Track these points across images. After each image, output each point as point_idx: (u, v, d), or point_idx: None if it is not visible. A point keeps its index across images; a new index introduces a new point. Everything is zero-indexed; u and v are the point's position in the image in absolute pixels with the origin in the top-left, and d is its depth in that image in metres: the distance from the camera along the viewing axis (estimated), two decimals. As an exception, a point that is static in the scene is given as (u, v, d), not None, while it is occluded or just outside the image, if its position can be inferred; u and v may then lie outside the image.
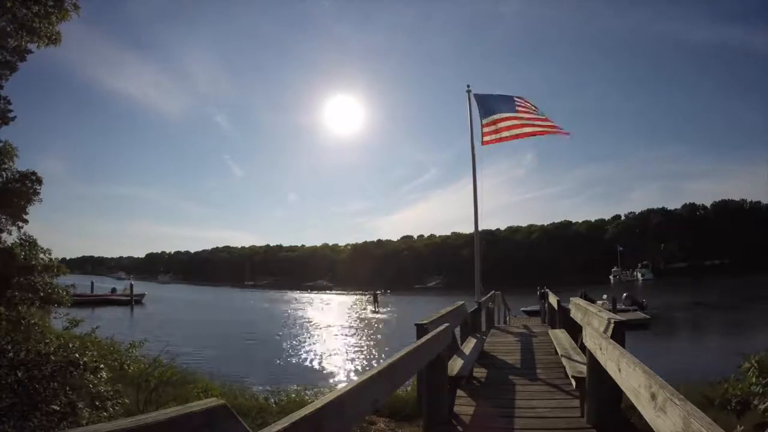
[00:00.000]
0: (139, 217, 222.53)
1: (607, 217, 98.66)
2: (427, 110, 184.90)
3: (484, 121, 11.00)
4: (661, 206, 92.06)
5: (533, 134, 10.91)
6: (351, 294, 67.66)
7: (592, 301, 11.75)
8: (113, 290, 48.43)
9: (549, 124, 10.80)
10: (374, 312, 38.69)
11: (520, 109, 10.86)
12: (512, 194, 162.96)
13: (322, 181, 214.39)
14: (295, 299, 58.97)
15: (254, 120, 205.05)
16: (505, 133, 10.88)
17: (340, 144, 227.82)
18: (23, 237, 5.29)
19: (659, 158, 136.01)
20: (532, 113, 10.86)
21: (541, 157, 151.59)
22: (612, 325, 3.81)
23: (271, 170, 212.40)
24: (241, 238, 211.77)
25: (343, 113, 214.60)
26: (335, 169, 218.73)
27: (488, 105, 11.07)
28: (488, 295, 12.16)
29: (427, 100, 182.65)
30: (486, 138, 11.01)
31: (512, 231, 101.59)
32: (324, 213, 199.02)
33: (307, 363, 17.70)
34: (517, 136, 10.91)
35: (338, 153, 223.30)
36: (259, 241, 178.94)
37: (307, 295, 68.25)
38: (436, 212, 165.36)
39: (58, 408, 3.68)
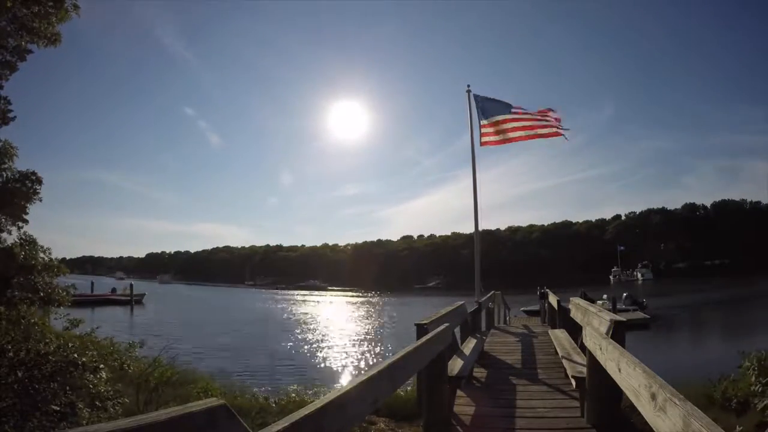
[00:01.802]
0: (108, 208, 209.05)
1: (607, 217, 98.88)
2: (432, 104, 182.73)
3: (483, 122, 11.01)
4: (661, 206, 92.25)
5: (532, 137, 10.88)
6: (360, 295, 66.99)
7: (592, 301, 11.74)
8: (113, 290, 48.48)
9: (548, 125, 10.75)
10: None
11: (517, 113, 10.87)
12: (560, 174, 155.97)
13: (319, 165, 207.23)
14: (329, 301, 54.10)
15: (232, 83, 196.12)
16: (503, 136, 10.89)
17: (337, 123, 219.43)
18: (23, 237, 5.29)
19: (725, 124, 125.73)
20: (530, 118, 10.84)
21: (600, 126, 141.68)
22: (612, 325, 3.81)
23: (255, 144, 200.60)
24: (233, 233, 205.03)
25: (340, 95, 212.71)
26: (336, 152, 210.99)
27: (487, 107, 11.08)
28: (488, 295, 12.16)
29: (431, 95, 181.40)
30: (484, 139, 11.03)
31: (512, 231, 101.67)
32: (322, 199, 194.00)
33: None
34: (515, 139, 10.90)
35: (336, 134, 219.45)
36: (253, 236, 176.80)
37: (326, 296, 66.14)
38: (445, 203, 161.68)
39: (58, 408, 3.68)
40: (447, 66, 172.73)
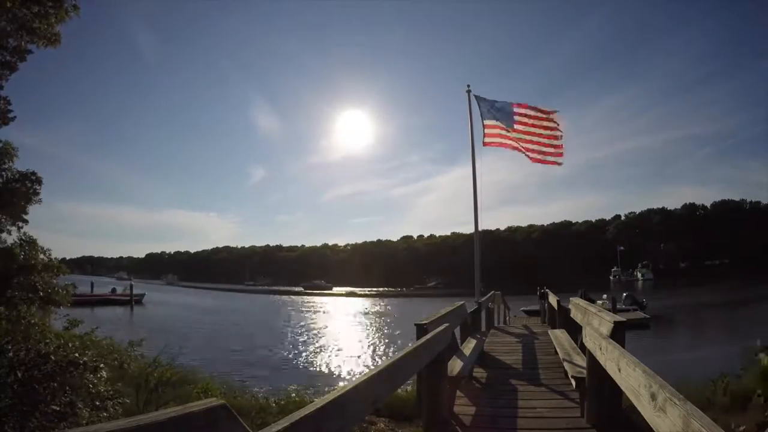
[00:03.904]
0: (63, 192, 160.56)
1: (607, 217, 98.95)
2: (435, 103, 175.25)
3: (486, 122, 10.95)
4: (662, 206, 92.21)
5: (530, 159, 10.36)
6: (359, 295, 66.24)
7: (592, 301, 11.74)
8: (113, 290, 48.50)
9: (546, 144, 10.25)
10: None
11: (518, 122, 10.60)
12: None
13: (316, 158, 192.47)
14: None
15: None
16: (506, 140, 10.74)
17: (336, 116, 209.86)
18: (23, 237, 5.30)
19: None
20: (531, 126, 10.37)
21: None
22: (612, 325, 3.81)
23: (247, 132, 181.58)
24: (215, 223, 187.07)
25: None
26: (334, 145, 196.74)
27: (489, 109, 11.01)
28: (488, 295, 12.15)
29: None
30: (487, 139, 10.98)
31: (512, 231, 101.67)
32: (317, 192, 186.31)
33: None
34: (516, 148, 10.55)
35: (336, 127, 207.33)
36: (239, 228, 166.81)
37: (326, 297, 63.81)
38: (447, 201, 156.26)
39: (57, 408, 3.68)
40: (448, 65, 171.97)
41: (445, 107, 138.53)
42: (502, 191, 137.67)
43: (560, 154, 10.31)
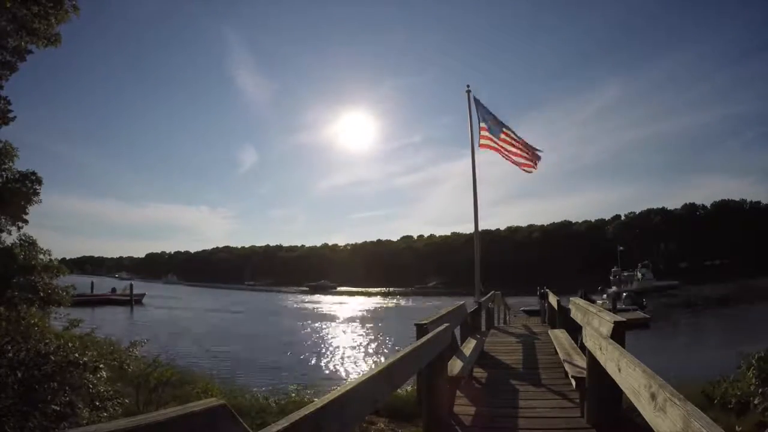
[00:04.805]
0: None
1: (607, 217, 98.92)
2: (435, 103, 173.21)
3: (483, 125, 11.05)
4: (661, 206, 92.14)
5: (518, 164, 10.94)
6: (359, 295, 66.05)
7: (592, 301, 11.74)
8: (113, 290, 48.52)
9: (528, 157, 10.86)
10: None
11: (507, 134, 10.96)
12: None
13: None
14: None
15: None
16: (499, 144, 10.95)
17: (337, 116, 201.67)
18: (23, 237, 5.29)
19: None
20: (515, 145, 10.92)
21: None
22: (612, 325, 3.81)
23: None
24: (206, 218, 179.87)
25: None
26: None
27: (484, 115, 11.13)
28: (488, 295, 12.15)
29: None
30: (483, 141, 11.07)
31: (512, 231, 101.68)
32: (315, 186, 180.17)
33: None
34: (508, 158, 10.98)
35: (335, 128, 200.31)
36: (233, 223, 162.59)
37: (326, 297, 63.23)
38: (448, 201, 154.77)
39: (57, 408, 3.68)
40: (448, 65, 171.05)
41: (449, 82, 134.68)
42: (517, 184, 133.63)
43: (531, 165, 10.91)
